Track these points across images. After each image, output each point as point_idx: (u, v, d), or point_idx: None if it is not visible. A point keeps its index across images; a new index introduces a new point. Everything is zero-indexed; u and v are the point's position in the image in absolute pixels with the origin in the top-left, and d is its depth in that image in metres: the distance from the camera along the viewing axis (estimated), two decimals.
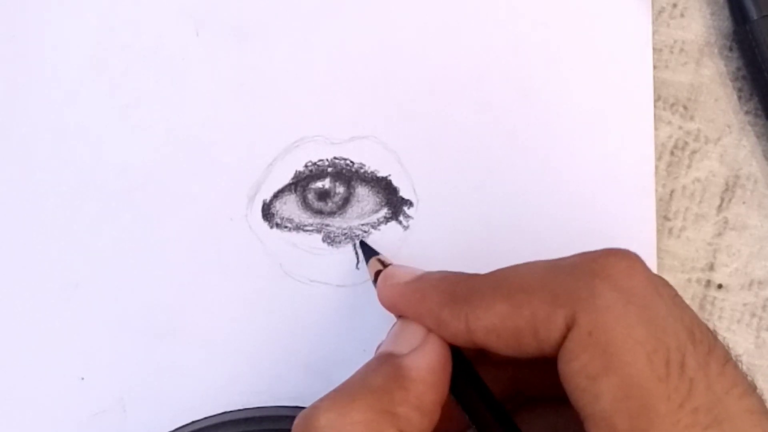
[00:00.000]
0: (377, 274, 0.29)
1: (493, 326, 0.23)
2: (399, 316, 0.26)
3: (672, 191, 0.34)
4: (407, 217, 0.33)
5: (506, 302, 0.23)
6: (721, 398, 0.21)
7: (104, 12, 0.33)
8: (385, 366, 0.24)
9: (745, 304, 0.33)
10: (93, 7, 0.33)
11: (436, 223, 0.33)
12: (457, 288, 0.24)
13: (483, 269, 0.26)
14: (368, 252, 0.32)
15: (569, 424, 0.25)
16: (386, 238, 0.33)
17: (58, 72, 0.33)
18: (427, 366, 0.24)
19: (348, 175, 0.33)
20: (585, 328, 0.22)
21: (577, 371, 0.22)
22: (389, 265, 0.29)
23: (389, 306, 0.27)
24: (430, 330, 0.25)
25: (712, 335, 0.23)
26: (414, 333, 0.25)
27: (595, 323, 0.22)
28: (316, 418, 0.22)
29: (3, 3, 0.33)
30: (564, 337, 0.22)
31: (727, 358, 0.22)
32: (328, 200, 0.33)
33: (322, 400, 0.23)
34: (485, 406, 0.25)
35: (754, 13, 0.33)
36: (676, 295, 0.23)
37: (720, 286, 0.34)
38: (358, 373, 0.24)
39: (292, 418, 0.30)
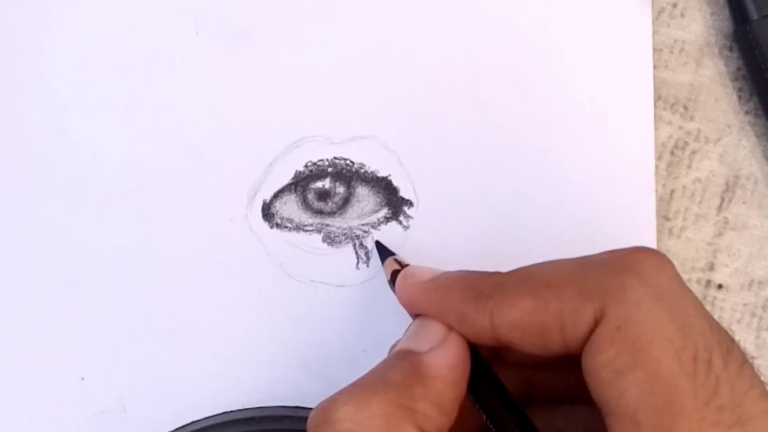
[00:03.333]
0: (394, 274, 0.28)
1: (519, 321, 0.23)
2: (416, 316, 0.26)
3: (672, 191, 0.34)
4: (407, 217, 0.33)
5: (533, 297, 0.23)
6: (742, 399, 0.21)
7: (104, 12, 0.33)
8: (405, 362, 0.24)
9: (745, 304, 0.33)
10: (93, 7, 0.33)
11: (436, 223, 0.33)
12: (481, 284, 0.24)
13: (484, 269, 0.26)
14: (384, 252, 0.31)
15: (581, 424, 0.25)
16: (386, 238, 0.33)
17: (58, 72, 0.33)
18: (447, 363, 0.24)
19: (348, 175, 0.33)
20: (614, 322, 0.22)
21: (604, 365, 0.22)
22: (406, 265, 0.29)
23: (410, 304, 0.26)
24: (451, 328, 0.25)
25: (729, 336, 0.23)
26: (434, 331, 0.25)
27: (625, 318, 0.22)
28: (335, 410, 0.22)
29: (3, 3, 0.33)
30: (591, 332, 0.22)
31: (744, 360, 0.22)
32: (328, 200, 0.33)
33: (340, 392, 0.23)
34: (503, 405, 0.24)
35: (754, 13, 0.33)
36: (696, 296, 0.23)
37: (720, 286, 0.34)
38: (376, 368, 0.24)
39: (293, 418, 0.31)
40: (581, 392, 0.25)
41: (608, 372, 0.21)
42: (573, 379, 0.25)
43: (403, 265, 0.29)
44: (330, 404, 0.23)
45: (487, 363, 0.25)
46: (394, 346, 0.27)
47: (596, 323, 0.22)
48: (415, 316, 0.27)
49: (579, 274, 0.23)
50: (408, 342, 0.25)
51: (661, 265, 0.23)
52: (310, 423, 0.23)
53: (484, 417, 0.25)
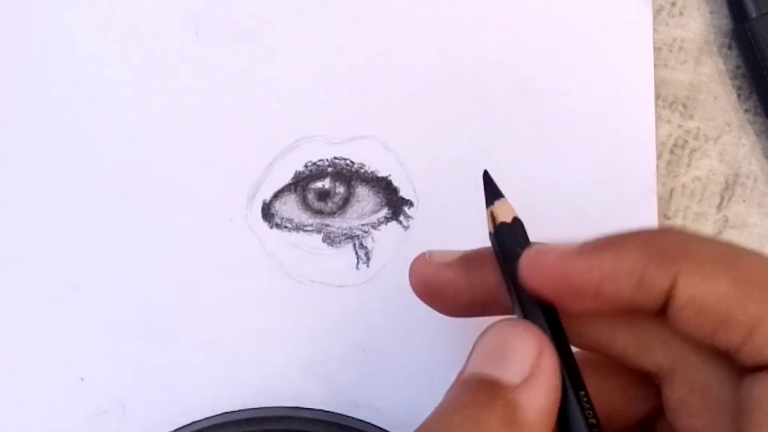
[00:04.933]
0: (501, 228, 0.23)
1: (703, 299, 0.19)
2: (485, 331, 0.22)
3: (672, 190, 0.34)
4: (407, 217, 0.33)
5: (734, 282, 0.19)
6: None
7: (104, 12, 0.33)
8: (499, 404, 0.20)
9: None
10: (92, 7, 0.33)
11: (436, 223, 0.33)
12: (665, 242, 0.20)
13: None
14: (492, 189, 0.25)
15: None
16: (386, 238, 0.33)
17: (57, 72, 0.33)
18: (545, 403, 0.20)
19: (348, 175, 0.33)
20: None
21: None
22: (503, 222, 0.24)
23: (553, 278, 0.21)
24: (544, 350, 0.21)
25: None
26: (525, 353, 0.20)
27: None
28: None
29: (3, 3, 0.33)
30: None
31: None
32: (328, 200, 0.33)
33: None
34: None
35: (752, 11, 0.33)
36: None
37: None
38: (464, 408, 0.20)
39: (292, 418, 0.31)
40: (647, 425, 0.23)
41: None
42: (648, 405, 0.23)
43: (498, 222, 0.24)
44: None
45: (582, 384, 0.21)
46: (464, 367, 0.22)
47: None
48: (520, 298, 0.22)
49: None
50: (491, 365, 0.21)
51: None
52: None
53: None
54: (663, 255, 0.20)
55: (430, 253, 0.23)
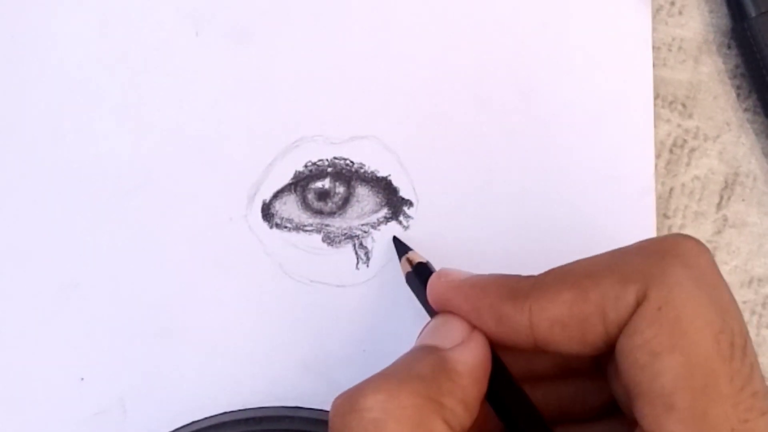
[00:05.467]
0: (413, 270, 0.29)
1: (559, 317, 0.23)
2: (435, 314, 0.26)
3: (671, 189, 0.34)
4: (407, 217, 0.33)
5: (573, 290, 0.23)
6: None
7: (104, 12, 0.33)
8: (431, 357, 0.23)
9: (744, 302, 0.33)
10: (93, 7, 0.33)
11: (436, 223, 0.33)
12: (519, 284, 0.24)
13: (484, 269, 0.26)
14: (401, 247, 0.32)
15: None
16: (386, 239, 0.33)
17: (58, 72, 0.33)
18: (473, 360, 0.23)
19: (348, 175, 0.33)
20: (655, 303, 0.22)
21: (640, 346, 0.21)
22: (421, 262, 0.29)
23: (442, 302, 0.26)
24: (478, 328, 0.24)
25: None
26: (457, 329, 0.24)
27: (666, 299, 0.21)
28: (363, 399, 0.22)
29: (3, 3, 0.33)
30: (632, 315, 0.22)
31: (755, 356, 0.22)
32: (327, 200, 0.33)
33: (366, 382, 0.23)
34: (520, 410, 0.24)
35: (752, 11, 0.33)
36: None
37: None
38: (402, 360, 0.24)
39: (292, 418, 0.31)
40: (611, 408, 0.25)
41: (644, 353, 0.21)
42: (604, 393, 0.25)
43: (414, 263, 0.29)
44: (357, 392, 0.22)
45: (505, 366, 0.25)
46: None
47: (638, 305, 0.22)
48: (433, 315, 0.26)
49: (618, 261, 0.23)
50: (429, 338, 0.24)
51: (699, 249, 0.23)
52: (334, 411, 0.22)
53: (502, 420, 0.24)
54: (516, 292, 0.24)
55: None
